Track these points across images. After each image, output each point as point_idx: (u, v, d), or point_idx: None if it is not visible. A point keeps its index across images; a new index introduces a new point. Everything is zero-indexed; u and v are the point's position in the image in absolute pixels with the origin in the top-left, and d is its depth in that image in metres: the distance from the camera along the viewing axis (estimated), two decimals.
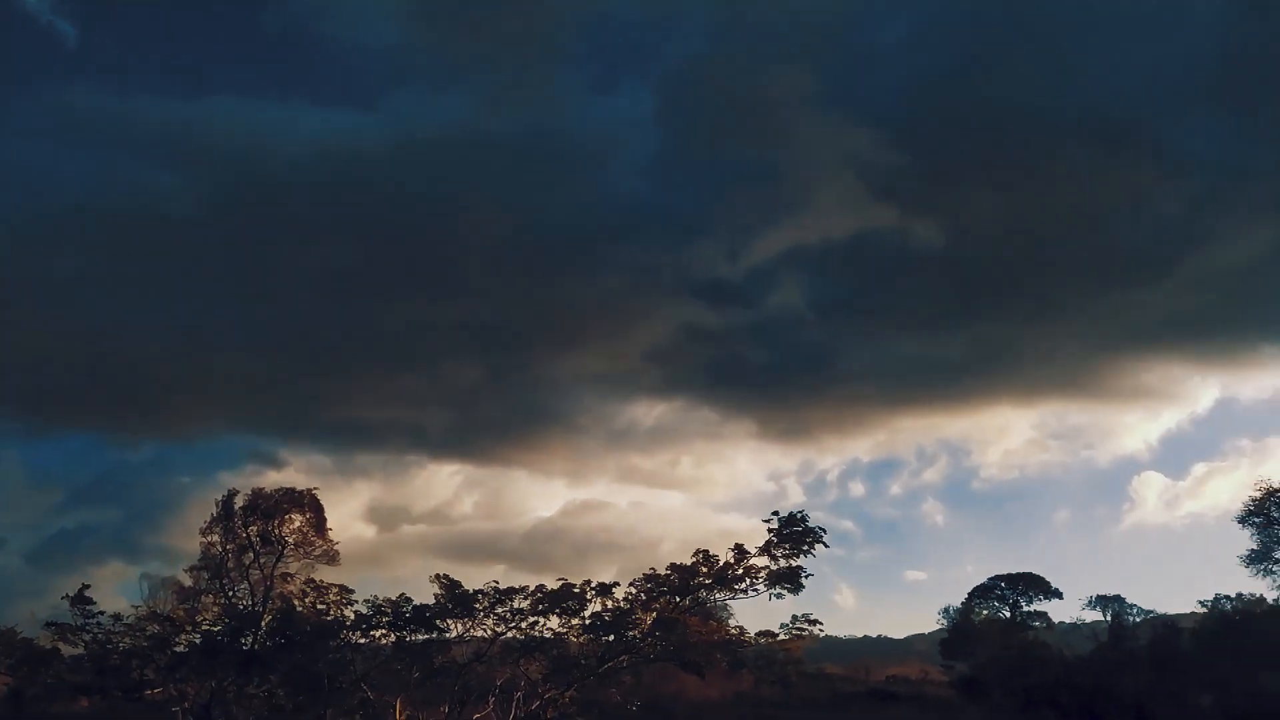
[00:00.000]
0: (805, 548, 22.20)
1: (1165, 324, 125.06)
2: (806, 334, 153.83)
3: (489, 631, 23.37)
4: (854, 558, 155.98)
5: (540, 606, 22.99)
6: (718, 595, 23.31)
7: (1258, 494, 63.83)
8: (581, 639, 23.65)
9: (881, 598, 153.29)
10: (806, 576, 22.52)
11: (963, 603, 68.47)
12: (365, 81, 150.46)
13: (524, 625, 23.19)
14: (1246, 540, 63.40)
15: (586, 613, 23.18)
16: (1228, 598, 52.64)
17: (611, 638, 23.31)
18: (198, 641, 22.64)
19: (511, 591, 22.93)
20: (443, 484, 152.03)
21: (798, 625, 24.84)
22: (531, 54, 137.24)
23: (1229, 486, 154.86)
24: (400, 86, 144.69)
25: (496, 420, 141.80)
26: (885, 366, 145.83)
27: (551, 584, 23.22)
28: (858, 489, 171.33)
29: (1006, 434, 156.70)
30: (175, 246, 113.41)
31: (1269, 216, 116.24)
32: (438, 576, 23.06)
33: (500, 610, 23.10)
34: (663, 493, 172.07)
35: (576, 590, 22.99)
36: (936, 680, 63.55)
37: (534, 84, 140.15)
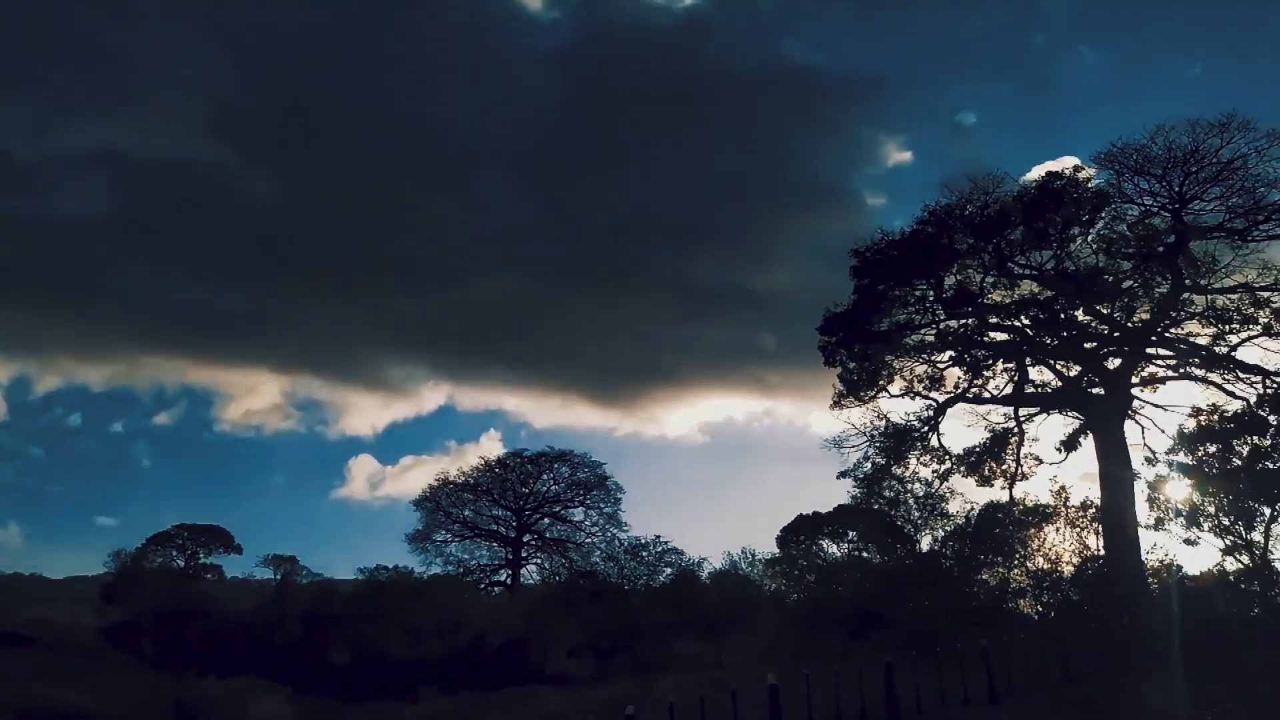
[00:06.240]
0: None
1: (419, 332, 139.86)
2: (81, 243, 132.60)
3: None
4: (44, 490, 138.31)
5: None
6: None
7: (435, 482, 73.62)
8: None
9: (61, 536, 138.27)
10: None
11: (138, 548, 65.50)
12: None
13: None
14: (416, 522, 72.60)
15: None
16: (385, 568, 59.16)
17: None
18: None
19: None
20: None
21: None
22: None
23: (425, 477, 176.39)
24: None
25: None
26: (154, 299, 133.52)
27: None
28: (75, 419, 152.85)
29: (255, 394, 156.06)
30: None
31: (518, 269, 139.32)
32: None
33: None
34: None
35: None
36: (86, 626, 59.07)
37: None
